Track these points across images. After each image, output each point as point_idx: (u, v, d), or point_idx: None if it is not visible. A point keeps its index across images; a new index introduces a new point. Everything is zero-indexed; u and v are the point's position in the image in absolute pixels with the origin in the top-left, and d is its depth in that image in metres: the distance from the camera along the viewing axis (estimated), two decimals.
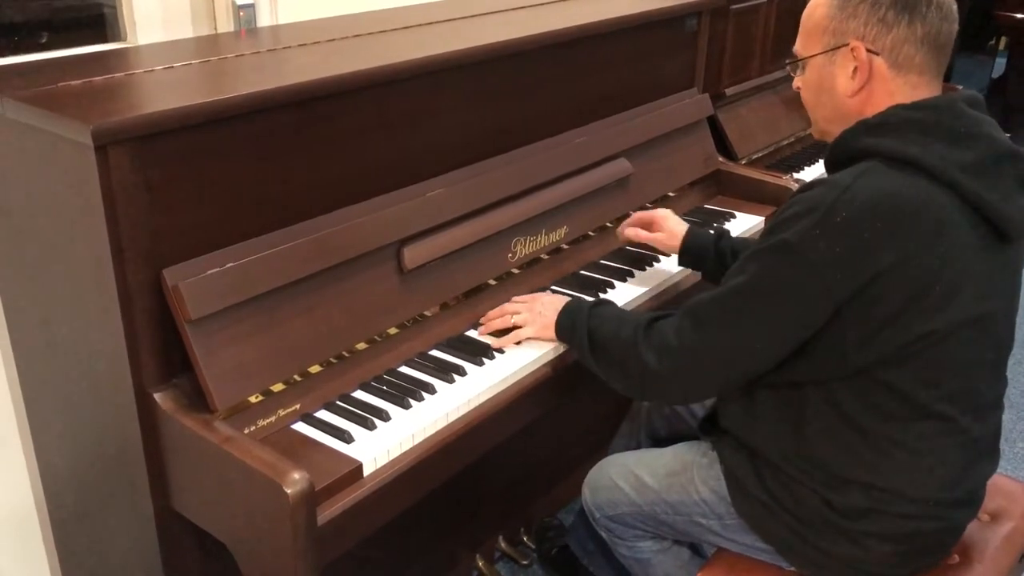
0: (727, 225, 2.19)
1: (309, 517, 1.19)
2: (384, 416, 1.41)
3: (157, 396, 1.32)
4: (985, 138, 1.29)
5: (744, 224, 2.19)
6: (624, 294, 1.83)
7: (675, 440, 1.75)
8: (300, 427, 1.40)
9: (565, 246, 1.94)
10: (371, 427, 1.39)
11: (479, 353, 1.58)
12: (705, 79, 2.40)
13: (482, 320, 1.68)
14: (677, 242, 1.82)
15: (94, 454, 1.52)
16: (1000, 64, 5.52)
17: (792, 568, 1.49)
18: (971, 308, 1.27)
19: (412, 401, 1.46)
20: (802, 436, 1.37)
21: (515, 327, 1.63)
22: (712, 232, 1.82)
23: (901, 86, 1.33)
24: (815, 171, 2.62)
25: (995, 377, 1.38)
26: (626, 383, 1.47)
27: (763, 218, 2.21)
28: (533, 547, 2.19)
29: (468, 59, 1.68)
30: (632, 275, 1.91)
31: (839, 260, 1.22)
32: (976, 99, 1.34)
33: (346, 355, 1.50)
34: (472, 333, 1.66)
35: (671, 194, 2.24)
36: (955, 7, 1.34)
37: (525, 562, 2.17)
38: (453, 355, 1.59)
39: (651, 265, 1.95)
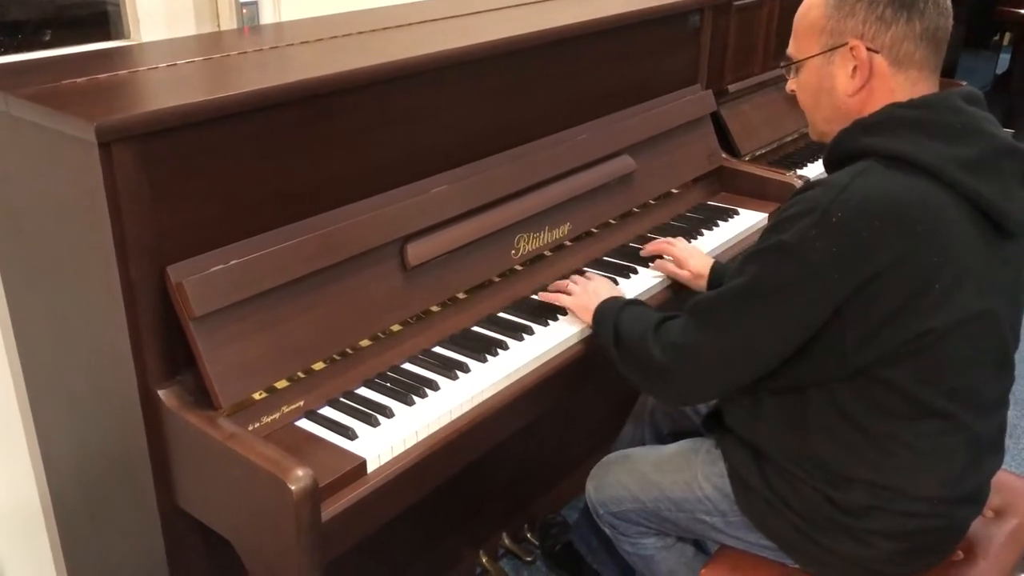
0: (730, 222, 2.19)
1: (313, 514, 1.19)
2: (388, 413, 1.42)
3: (161, 393, 1.32)
4: (983, 134, 1.29)
5: (747, 221, 2.19)
6: (627, 291, 1.83)
7: (679, 437, 1.75)
8: (304, 424, 1.40)
9: (568, 243, 1.93)
10: (375, 424, 1.39)
11: (483, 350, 1.58)
12: (708, 75, 2.40)
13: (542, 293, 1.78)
14: (703, 282, 1.82)
15: (99, 451, 1.52)
16: (1004, 60, 5.50)
17: (796, 565, 1.49)
18: (972, 305, 1.27)
19: (416, 398, 1.46)
20: (805, 435, 1.37)
21: (565, 293, 1.72)
22: (734, 266, 1.82)
23: (901, 83, 1.33)
24: (818, 167, 2.61)
25: (999, 374, 1.38)
26: (638, 377, 1.49)
27: (766, 215, 2.21)
28: (537, 544, 2.19)
29: (471, 56, 1.67)
30: (635, 271, 1.91)
31: (837, 260, 1.22)
32: (974, 95, 1.34)
33: (350, 352, 1.50)
34: (476, 328, 1.66)
35: (674, 191, 2.24)
36: (950, 2, 1.34)
37: (529, 559, 2.17)
38: (457, 352, 1.59)
39: (654, 261, 1.95)
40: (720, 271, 1.80)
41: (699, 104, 2.31)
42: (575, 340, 1.66)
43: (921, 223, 1.22)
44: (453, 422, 1.44)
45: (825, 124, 1.41)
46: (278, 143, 1.42)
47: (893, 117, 1.29)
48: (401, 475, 1.34)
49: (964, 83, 1.42)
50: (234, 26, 1.90)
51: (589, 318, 1.63)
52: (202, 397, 1.32)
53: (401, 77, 1.56)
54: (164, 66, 1.52)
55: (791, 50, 1.42)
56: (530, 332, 1.65)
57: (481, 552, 2.11)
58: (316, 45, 1.71)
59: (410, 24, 1.90)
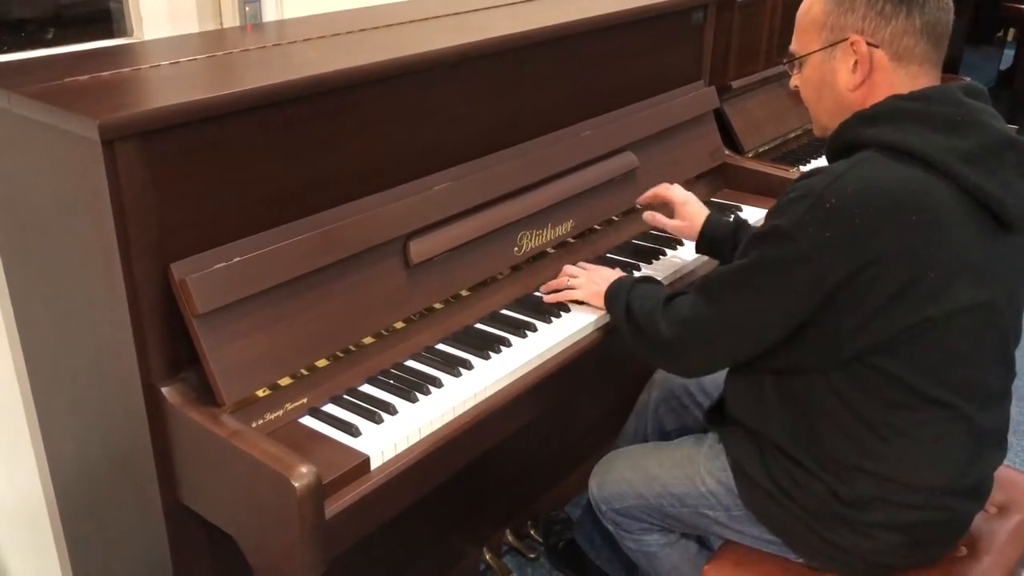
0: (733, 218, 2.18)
1: (316, 511, 1.19)
2: (391, 410, 1.42)
3: (165, 390, 1.32)
4: (983, 127, 1.29)
5: (751, 217, 2.18)
6: None
7: (682, 434, 1.76)
8: (307, 421, 1.40)
9: (571, 240, 1.93)
10: (378, 421, 1.39)
11: (485, 347, 1.58)
12: (711, 72, 2.39)
13: (544, 288, 1.79)
14: (695, 231, 1.83)
15: (103, 448, 1.52)
16: (1008, 56, 5.49)
17: (799, 560, 1.49)
18: (969, 296, 1.27)
19: (419, 395, 1.46)
20: (807, 424, 1.38)
21: (570, 288, 1.74)
22: (731, 221, 1.83)
23: (902, 77, 1.34)
24: (822, 164, 2.60)
25: (1001, 367, 1.38)
26: (648, 350, 1.52)
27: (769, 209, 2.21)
28: (540, 541, 2.20)
29: (474, 53, 1.67)
30: (639, 269, 1.91)
31: (829, 246, 1.24)
32: (975, 88, 1.34)
33: (353, 349, 1.51)
34: (479, 325, 1.67)
35: None
36: None
37: (532, 555, 2.17)
38: (460, 349, 1.59)
39: (657, 259, 1.95)
40: (715, 225, 1.81)
41: (702, 101, 2.31)
42: (578, 337, 1.66)
43: (916, 212, 1.23)
44: (456, 419, 1.44)
45: (828, 119, 1.42)
46: (281, 140, 1.42)
47: (893, 108, 1.30)
48: (404, 472, 1.34)
49: (968, 79, 1.42)
50: (237, 23, 1.90)
51: (601, 302, 1.66)
52: (205, 394, 1.32)
53: (403, 74, 1.56)
54: (167, 64, 1.53)
55: (793, 46, 1.44)
56: (533, 329, 1.65)
57: (484, 549, 2.12)
58: (318, 42, 1.71)
59: (412, 21, 1.90)
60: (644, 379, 1.98)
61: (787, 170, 2.37)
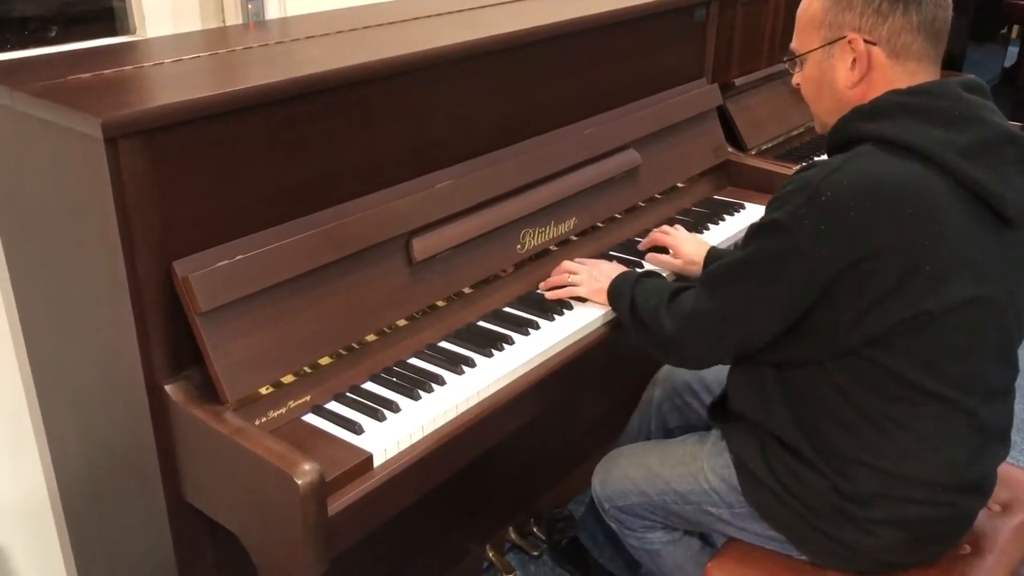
0: (736, 216, 2.18)
1: (319, 508, 1.19)
2: (394, 407, 1.42)
3: (168, 388, 1.33)
4: (982, 121, 1.29)
5: (753, 215, 2.19)
6: None
7: (685, 431, 1.76)
8: (310, 418, 1.41)
9: (574, 237, 1.93)
10: (381, 418, 1.39)
11: (488, 344, 1.58)
12: (714, 69, 2.39)
13: (543, 285, 1.78)
14: (697, 268, 1.83)
15: (106, 446, 1.53)
16: (1012, 53, 5.48)
17: (802, 556, 1.49)
18: (967, 291, 1.27)
19: (422, 392, 1.46)
20: (809, 419, 1.38)
21: (571, 285, 1.73)
22: (732, 250, 1.82)
23: (900, 74, 1.34)
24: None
25: (1003, 364, 1.38)
26: (652, 346, 1.53)
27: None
28: (543, 538, 2.20)
29: (477, 50, 1.67)
30: (641, 266, 1.90)
31: (824, 238, 1.24)
32: (974, 84, 1.34)
33: (356, 347, 1.51)
34: (482, 323, 1.67)
35: (680, 185, 2.23)
36: None
37: (536, 553, 2.17)
38: (462, 346, 1.59)
39: (672, 255, 1.95)
40: (716, 256, 1.81)
41: (705, 98, 2.31)
42: (581, 335, 1.66)
43: (912, 206, 1.23)
44: (459, 417, 1.44)
45: (828, 116, 1.42)
46: (284, 138, 1.42)
47: (891, 103, 1.30)
48: (407, 470, 1.34)
49: (972, 76, 1.42)
50: (239, 21, 1.90)
51: (604, 298, 1.67)
52: (209, 392, 1.32)
53: (406, 72, 1.56)
54: (169, 62, 1.53)
55: (794, 44, 1.45)
56: (536, 327, 1.65)
57: (488, 546, 2.12)
58: (321, 40, 1.71)
59: (415, 19, 1.90)
60: (647, 376, 1.98)
61: (790, 167, 2.36)
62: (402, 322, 1.58)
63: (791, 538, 1.47)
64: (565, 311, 1.71)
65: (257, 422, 1.34)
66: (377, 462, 1.33)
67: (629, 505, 1.67)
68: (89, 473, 1.63)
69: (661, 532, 1.69)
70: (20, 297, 1.59)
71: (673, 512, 1.62)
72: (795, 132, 2.71)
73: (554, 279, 1.77)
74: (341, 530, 1.26)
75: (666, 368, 1.92)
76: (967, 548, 1.48)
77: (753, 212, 2.20)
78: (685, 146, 2.23)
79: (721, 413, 1.58)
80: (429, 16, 1.93)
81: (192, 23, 1.89)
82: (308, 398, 1.42)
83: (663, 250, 1.92)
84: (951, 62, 4.33)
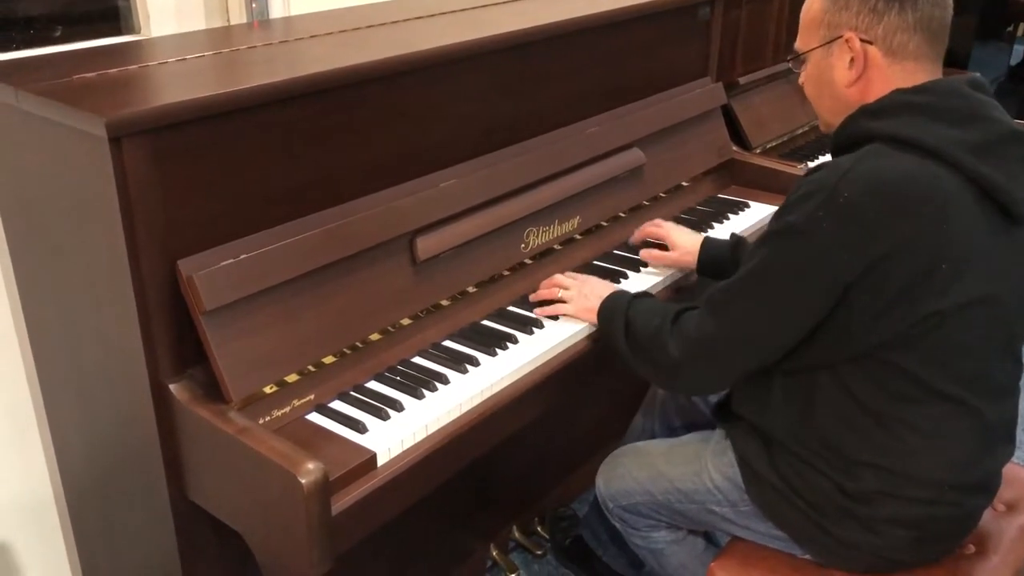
0: (741, 215, 2.18)
1: (323, 507, 1.20)
2: (398, 407, 1.42)
3: (172, 387, 1.33)
4: (989, 119, 1.30)
5: (758, 214, 2.19)
6: (638, 284, 1.83)
7: (689, 430, 1.75)
8: (314, 417, 1.41)
9: (578, 236, 1.93)
10: (385, 417, 1.39)
11: (492, 344, 1.58)
12: (718, 68, 2.39)
13: (532, 298, 1.74)
14: (692, 258, 1.82)
15: (111, 444, 1.53)
16: (1018, 51, 5.46)
17: (807, 556, 1.49)
18: (978, 288, 1.27)
19: (426, 392, 1.46)
20: (813, 418, 1.38)
21: (559, 301, 1.68)
22: (727, 240, 1.81)
23: (898, 73, 1.34)
24: (828, 160, 2.60)
25: (1008, 361, 1.38)
26: (654, 373, 1.49)
27: (776, 208, 2.20)
28: (547, 537, 2.20)
29: (480, 49, 1.67)
30: (645, 265, 1.90)
31: (844, 241, 1.23)
32: (979, 82, 1.34)
33: (360, 346, 1.51)
34: (486, 322, 1.67)
35: (684, 184, 2.23)
36: None
37: (539, 552, 2.17)
38: (466, 346, 1.59)
39: (667, 248, 1.94)
40: (712, 245, 1.81)
41: (709, 97, 2.31)
42: (585, 334, 1.65)
43: (927, 204, 1.23)
44: (463, 415, 1.44)
45: (830, 115, 1.43)
46: (288, 137, 1.42)
47: (898, 102, 1.30)
48: (411, 469, 1.35)
49: (976, 75, 1.42)
50: (244, 20, 1.90)
51: (593, 318, 1.62)
52: (213, 391, 1.33)
53: (410, 71, 1.56)
54: (174, 61, 1.53)
55: (797, 43, 1.46)
56: (539, 326, 1.65)
57: (492, 545, 2.12)
58: (325, 39, 1.71)
59: (419, 18, 1.90)
60: None
61: (794, 166, 2.36)
62: (406, 321, 1.58)
63: (795, 537, 1.47)
64: None
65: (261, 421, 1.35)
66: (381, 461, 1.33)
67: (633, 504, 1.67)
68: (93, 471, 1.63)
69: (665, 531, 1.69)
70: (25, 295, 1.59)
71: (677, 511, 1.62)
72: (799, 131, 2.71)
73: (543, 292, 1.72)
74: (345, 529, 1.26)
75: None
76: (971, 548, 1.48)
77: (757, 211, 2.20)
78: (689, 145, 2.23)
79: (725, 413, 1.57)
80: (432, 15, 1.93)
81: (196, 22, 1.90)
82: (312, 397, 1.42)
83: (655, 245, 1.90)
84: (957, 60, 4.31)
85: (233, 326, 1.33)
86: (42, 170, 1.39)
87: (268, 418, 1.36)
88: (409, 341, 1.58)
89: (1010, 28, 5.40)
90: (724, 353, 1.39)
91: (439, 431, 1.40)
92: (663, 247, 1.88)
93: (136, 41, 1.80)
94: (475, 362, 1.54)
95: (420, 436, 1.38)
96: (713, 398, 1.79)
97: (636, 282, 1.84)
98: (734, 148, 2.38)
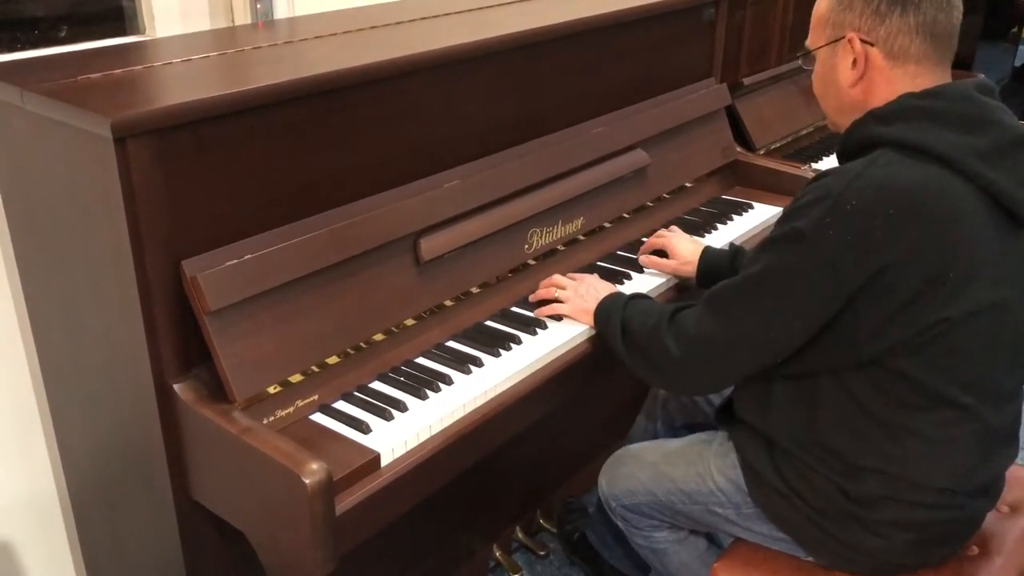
0: (744, 216, 2.18)
1: (327, 507, 1.20)
2: (401, 407, 1.42)
3: (176, 387, 1.33)
4: (997, 124, 1.29)
5: (762, 215, 2.18)
6: (641, 285, 1.83)
7: (692, 430, 1.75)
8: (318, 418, 1.41)
9: (582, 237, 1.93)
10: (388, 418, 1.40)
11: (496, 344, 1.58)
12: (723, 69, 2.39)
13: (531, 298, 1.75)
14: (691, 268, 1.82)
15: (115, 444, 1.53)
16: (1023, 52, 5.45)
17: (809, 558, 1.49)
18: (986, 295, 1.26)
19: (429, 392, 1.46)
20: (816, 424, 1.38)
21: (556, 301, 1.69)
22: (727, 249, 1.81)
23: (900, 76, 1.33)
24: (834, 161, 2.59)
25: (1013, 365, 1.37)
26: (650, 372, 1.49)
27: (781, 209, 2.19)
28: (553, 531, 2.19)
29: (485, 50, 1.67)
30: (638, 267, 1.90)
31: (851, 248, 1.22)
32: (987, 86, 1.33)
33: (363, 346, 1.51)
34: (489, 322, 1.67)
35: (688, 185, 2.23)
36: None
37: (542, 553, 2.17)
38: (470, 346, 1.59)
39: (665, 257, 1.94)
40: (711, 255, 1.80)
41: (713, 98, 2.31)
42: (588, 335, 1.65)
43: (936, 212, 1.22)
44: (466, 416, 1.44)
45: (835, 114, 1.43)
46: (292, 138, 1.42)
47: (906, 107, 1.29)
48: (414, 469, 1.35)
49: (981, 75, 1.42)
50: (248, 21, 1.90)
51: (590, 319, 1.63)
52: (217, 391, 1.33)
53: (414, 71, 1.56)
54: (179, 61, 1.53)
55: (808, 40, 1.45)
56: (543, 326, 1.65)
57: (495, 546, 2.12)
58: (330, 40, 1.71)
59: (423, 18, 1.90)
60: None
61: (799, 167, 2.36)
62: (410, 322, 1.59)
63: (798, 539, 1.47)
64: None
65: (265, 421, 1.35)
66: (384, 461, 1.33)
67: (636, 504, 1.67)
68: (97, 471, 1.64)
69: (667, 531, 1.69)
70: (30, 295, 1.59)
71: (680, 512, 1.62)
72: (804, 132, 2.70)
73: (541, 292, 1.72)
74: (348, 529, 1.26)
75: None
76: (975, 549, 1.48)
77: (761, 212, 2.20)
78: (693, 146, 2.23)
79: (728, 416, 1.57)
80: (437, 16, 1.93)
81: (201, 23, 1.90)
82: (316, 397, 1.43)
83: (659, 253, 1.90)
84: (961, 61, 4.30)
85: (237, 326, 1.33)
86: (47, 170, 1.39)
87: (272, 418, 1.37)
88: (413, 341, 1.58)
89: (1015, 29, 5.39)
90: (723, 353, 1.38)
91: (442, 432, 1.41)
92: (665, 254, 1.88)
93: (141, 41, 1.80)
94: (478, 363, 1.54)
95: (424, 437, 1.39)
96: (716, 400, 1.79)
97: (639, 283, 1.84)
98: (738, 149, 2.38)
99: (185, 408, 1.33)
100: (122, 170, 1.22)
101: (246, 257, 1.34)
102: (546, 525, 2.21)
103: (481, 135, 1.74)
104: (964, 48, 4.38)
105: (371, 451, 1.33)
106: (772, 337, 1.33)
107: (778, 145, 2.58)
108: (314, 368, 1.43)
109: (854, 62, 1.35)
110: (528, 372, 1.55)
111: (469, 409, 1.46)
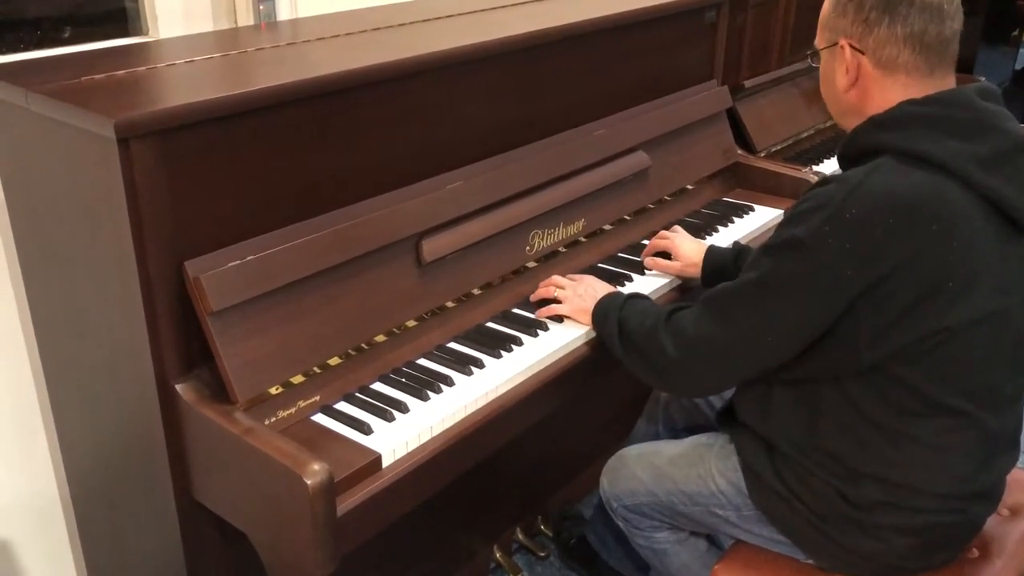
0: (745, 218, 2.18)
1: (328, 508, 1.20)
2: (403, 408, 1.42)
3: (179, 387, 1.33)
4: (999, 131, 1.29)
5: (763, 217, 2.19)
6: (642, 287, 1.83)
7: (693, 432, 1.75)
8: (320, 418, 1.41)
9: (583, 239, 1.94)
10: (390, 419, 1.40)
11: (497, 345, 1.59)
12: (724, 71, 2.39)
13: (531, 298, 1.75)
14: (696, 269, 1.82)
15: (116, 444, 1.53)
16: (1023, 55, 5.45)
17: (809, 561, 1.49)
18: (987, 303, 1.26)
19: (430, 393, 1.46)
20: (817, 429, 1.38)
21: (555, 300, 1.69)
22: (730, 249, 1.81)
23: (890, 85, 1.33)
24: (834, 164, 2.59)
25: (1014, 371, 1.37)
26: (647, 372, 1.50)
27: (781, 211, 2.20)
28: (551, 536, 2.20)
29: (487, 52, 1.68)
30: (640, 268, 1.90)
31: (850, 257, 1.22)
32: (989, 91, 1.33)
33: (365, 347, 1.51)
34: (490, 324, 1.67)
35: (689, 187, 2.23)
36: (952, 6, 1.31)
37: (543, 554, 2.18)
38: (471, 347, 1.59)
39: (669, 258, 1.94)
40: (715, 255, 1.81)
41: (715, 100, 2.31)
42: (588, 337, 1.66)
43: (936, 221, 1.22)
44: (467, 418, 1.45)
45: (837, 116, 1.44)
46: (295, 139, 1.42)
47: (906, 114, 1.29)
48: (416, 470, 1.35)
49: (981, 78, 1.42)
50: (251, 22, 1.91)
51: (588, 319, 1.63)
52: (219, 391, 1.33)
53: (417, 73, 1.57)
54: (182, 62, 1.53)
55: (815, 39, 1.45)
56: (544, 328, 1.66)
57: (495, 547, 2.12)
58: (333, 41, 1.71)
59: (426, 20, 1.90)
60: None
61: (799, 170, 2.36)
62: (411, 323, 1.59)
63: (799, 542, 1.47)
64: None
65: (267, 422, 1.35)
66: (386, 462, 1.33)
67: (637, 504, 1.67)
68: (99, 471, 1.64)
69: (668, 532, 1.69)
70: (32, 296, 1.60)
71: (680, 513, 1.62)
72: (804, 134, 2.71)
73: (540, 292, 1.73)
74: (349, 530, 1.26)
75: None
76: (975, 552, 1.48)
77: (762, 214, 2.20)
78: (694, 148, 2.23)
79: (729, 420, 1.57)
80: (439, 18, 1.93)
81: (204, 24, 1.90)
82: (317, 398, 1.43)
83: (662, 254, 1.91)
84: (962, 64, 4.30)
85: (239, 327, 1.33)
86: (50, 171, 1.39)
87: (274, 419, 1.37)
88: (414, 342, 1.59)
89: (1016, 32, 5.39)
90: (721, 355, 1.39)
91: (444, 433, 1.41)
92: (668, 255, 1.88)
93: (144, 43, 1.80)
94: (480, 364, 1.54)
95: (425, 438, 1.39)
96: (718, 403, 1.79)
97: (640, 285, 1.84)
98: (739, 151, 2.38)
99: (187, 408, 1.33)
100: (125, 171, 1.22)
101: (248, 258, 1.35)
102: (546, 531, 2.21)
103: (483, 137, 1.75)
104: (965, 51, 4.38)
105: (372, 452, 1.33)
106: (770, 341, 1.33)
107: (779, 147, 2.59)
108: (316, 369, 1.44)
109: (847, 69, 1.35)
110: (529, 373, 1.56)
111: (470, 410, 1.46)
